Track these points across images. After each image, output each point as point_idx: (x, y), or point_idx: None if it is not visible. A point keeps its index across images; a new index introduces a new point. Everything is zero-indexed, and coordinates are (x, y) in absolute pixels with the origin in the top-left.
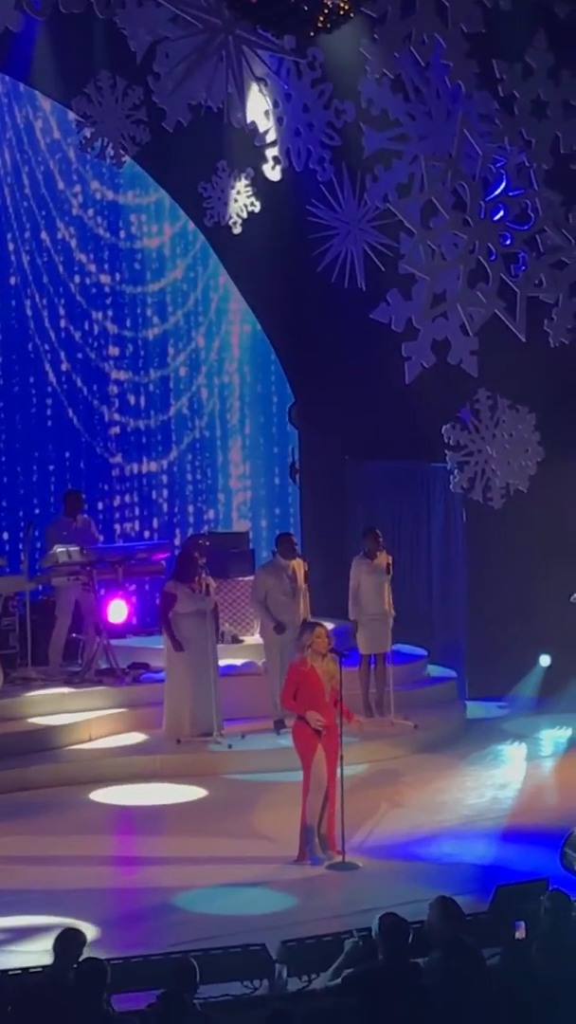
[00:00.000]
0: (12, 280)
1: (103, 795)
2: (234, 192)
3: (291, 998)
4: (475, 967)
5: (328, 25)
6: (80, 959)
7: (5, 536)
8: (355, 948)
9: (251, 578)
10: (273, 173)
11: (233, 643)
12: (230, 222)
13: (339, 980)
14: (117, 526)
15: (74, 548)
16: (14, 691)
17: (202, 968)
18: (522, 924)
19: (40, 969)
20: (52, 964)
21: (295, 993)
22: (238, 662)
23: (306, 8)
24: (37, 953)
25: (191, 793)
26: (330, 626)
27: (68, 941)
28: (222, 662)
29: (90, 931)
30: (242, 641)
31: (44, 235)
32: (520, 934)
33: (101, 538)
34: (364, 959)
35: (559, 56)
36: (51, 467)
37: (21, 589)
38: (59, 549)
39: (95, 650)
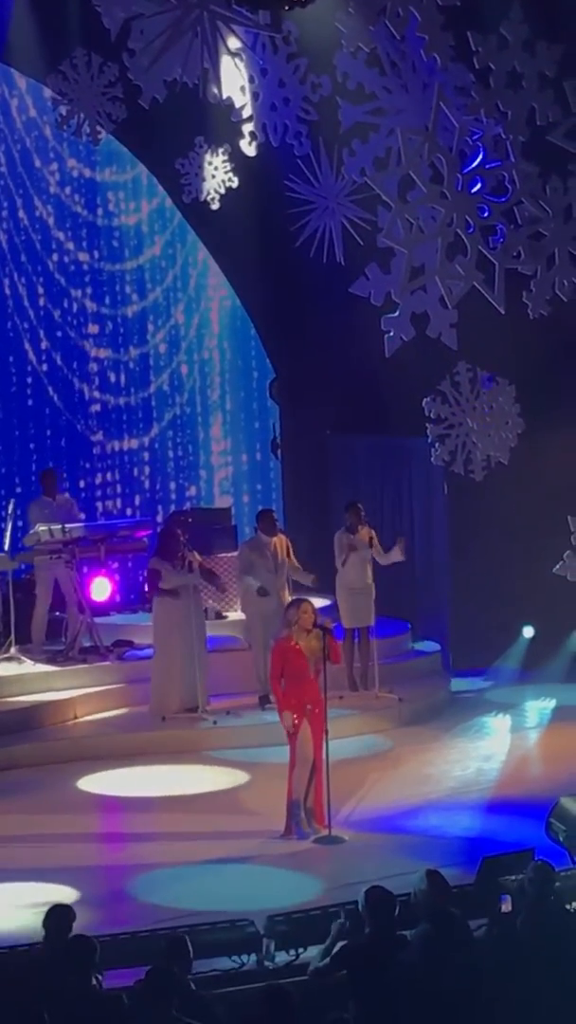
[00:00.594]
0: None
1: (89, 771)
2: (211, 168)
3: (279, 972)
4: (461, 938)
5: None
6: (69, 934)
7: None
8: (341, 929)
9: (234, 554)
10: (250, 148)
11: (217, 619)
12: (208, 198)
13: (328, 959)
14: (99, 504)
15: (56, 526)
16: None
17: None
18: (508, 898)
19: (31, 946)
20: (44, 940)
21: (284, 967)
22: (221, 637)
23: None
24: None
25: (176, 770)
26: (318, 603)
27: (58, 917)
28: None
29: (77, 908)
30: (226, 617)
31: (21, 213)
32: (506, 907)
33: (83, 516)
34: (351, 934)
35: (534, 28)
36: (32, 445)
37: (3, 568)
38: (41, 528)
39: (79, 628)
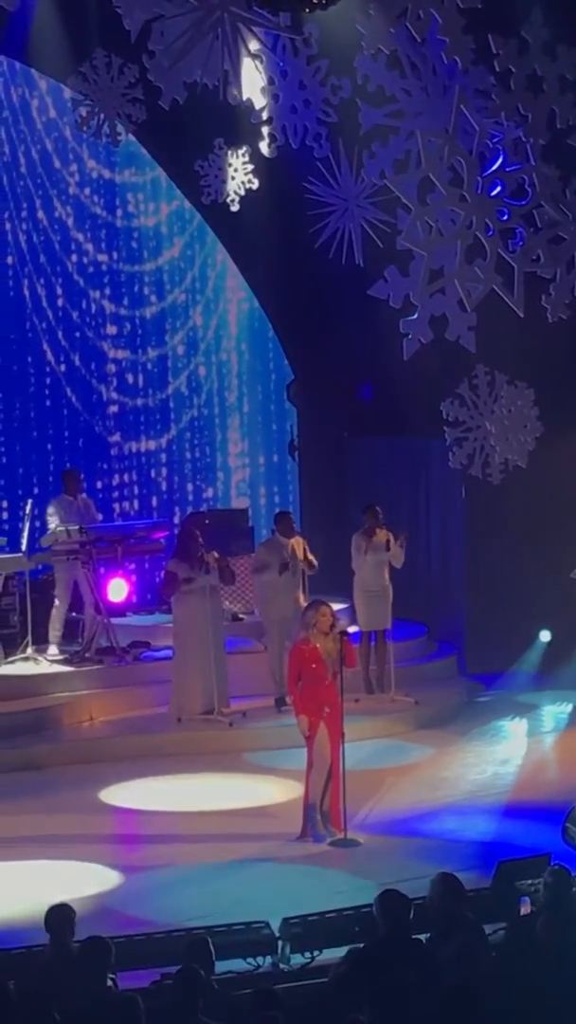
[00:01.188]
0: (9, 260)
1: (106, 773)
2: (231, 170)
3: (295, 975)
4: (477, 943)
5: (323, 1)
6: (73, 933)
7: (5, 515)
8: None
9: (249, 556)
10: (270, 150)
11: (234, 621)
12: (227, 200)
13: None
14: (116, 505)
15: (73, 527)
16: (15, 670)
17: None
18: (527, 900)
19: (39, 948)
20: (50, 941)
21: (299, 969)
22: (238, 639)
23: None
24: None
25: (193, 771)
26: (336, 607)
27: (59, 916)
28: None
29: (93, 909)
30: (242, 619)
31: (41, 214)
32: (525, 909)
33: (100, 517)
34: (366, 937)
35: (554, 31)
36: (50, 446)
37: (21, 568)
38: (59, 528)
39: (95, 629)
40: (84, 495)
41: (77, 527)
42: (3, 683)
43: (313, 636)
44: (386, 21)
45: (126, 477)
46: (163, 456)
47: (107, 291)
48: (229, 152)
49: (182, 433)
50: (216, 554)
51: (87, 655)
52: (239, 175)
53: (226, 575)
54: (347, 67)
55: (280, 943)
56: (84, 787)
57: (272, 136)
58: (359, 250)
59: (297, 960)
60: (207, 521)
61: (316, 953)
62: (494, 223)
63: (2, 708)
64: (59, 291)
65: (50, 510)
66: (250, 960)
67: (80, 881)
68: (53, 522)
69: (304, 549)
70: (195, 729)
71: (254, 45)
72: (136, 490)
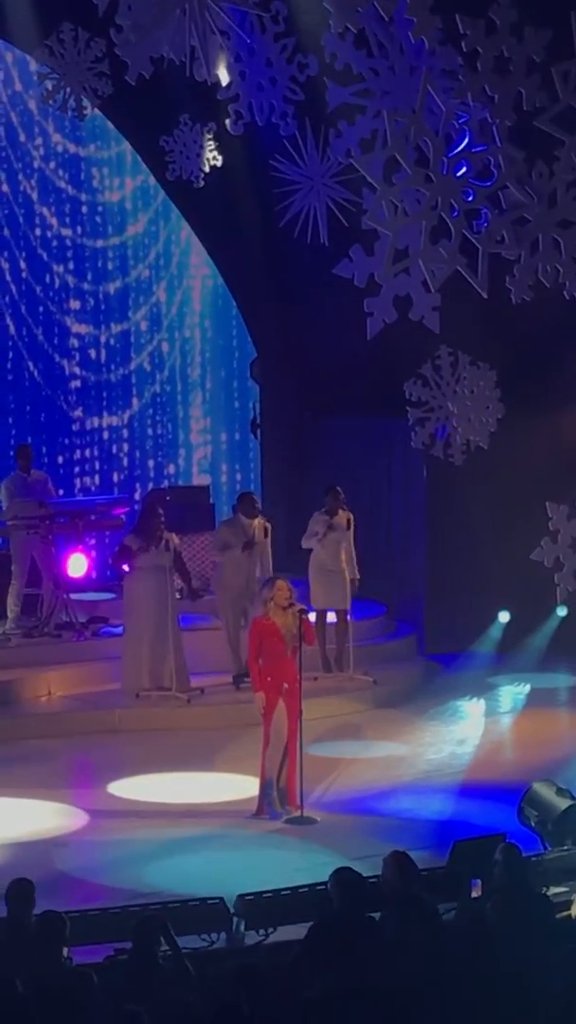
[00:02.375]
0: None
1: (61, 747)
2: (196, 146)
3: (249, 951)
4: (429, 921)
5: None
6: (33, 908)
7: None
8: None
9: (209, 534)
10: (236, 128)
11: (194, 599)
12: (192, 176)
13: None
14: (77, 480)
15: (32, 501)
16: None
17: None
18: (479, 882)
19: None
20: (8, 915)
21: (253, 946)
22: (195, 616)
23: None
24: None
25: (149, 748)
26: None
27: (19, 891)
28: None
29: (48, 884)
30: (201, 596)
31: (5, 187)
32: (476, 892)
33: (61, 492)
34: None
35: (522, 12)
36: (11, 420)
37: None
38: (18, 500)
39: (54, 604)
40: (40, 471)
41: (36, 502)
42: None
43: (271, 611)
44: None
45: (87, 452)
46: (125, 432)
47: (71, 266)
48: (194, 129)
49: (144, 409)
50: (176, 537)
51: (45, 630)
52: (204, 152)
53: (180, 566)
54: (314, 45)
55: (235, 919)
56: (40, 762)
57: (238, 113)
58: (324, 229)
59: (251, 937)
60: (168, 498)
61: (270, 930)
62: (459, 204)
63: None
64: (23, 265)
65: (2, 488)
66: (204, 936)
67: (33, 857)
68: (5, 501)
69: (265, 530)
70: (153, 705)
71: (221, 22)
72: (97, 465)
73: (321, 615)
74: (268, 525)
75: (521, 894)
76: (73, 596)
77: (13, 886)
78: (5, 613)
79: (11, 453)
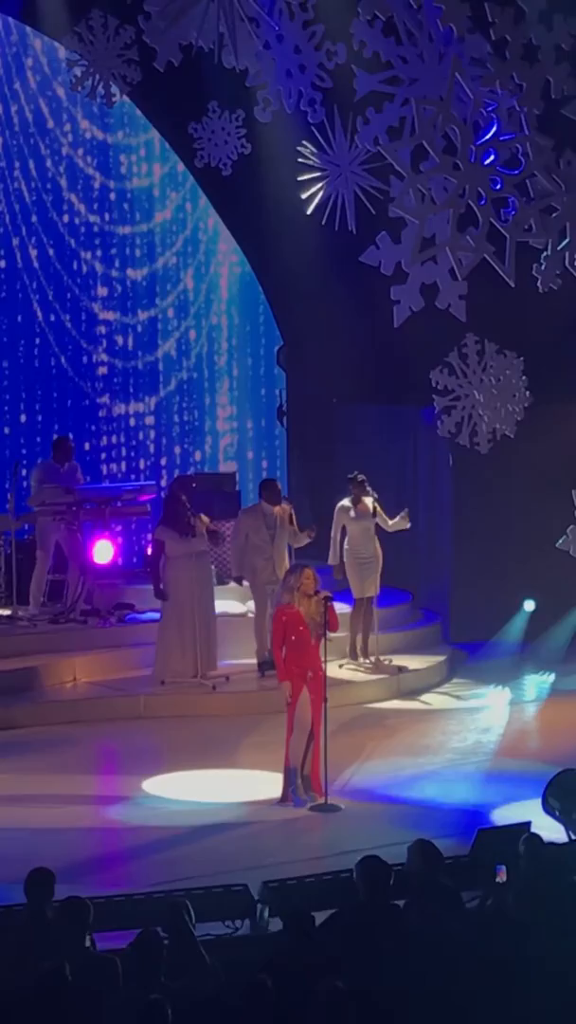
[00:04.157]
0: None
1: (88, 732)
2: (225, 133)
3: (273, 938)
4: (452, 910)
5: None
6: (52, 898)
7: None
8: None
9: (235, 520)
10: (264, 115)
11: (219, 585)
12: (220, 163)
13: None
14: (104, 467)
15: (59, 487)
16: None
17: None
18: (503, 868)
19: (14, 909)
20: (27, 904)
21: (277, 933)
22: (222, 603)
23: None
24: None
25: (174, 734)
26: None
27: (39, 880)
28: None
29: (71, 869)
30: (227, 583)
31: (33, 174)
32: (501, 877)
33: (88, 479)
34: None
35: (551, 0)
36: (38, 407)
37: (7, 528)
38: (46, 487)
39: (80, 591)
40: (73, 462)
41: (63, 488)
42: None
43: (296, 600)
44: None
45: (114, 439)
46: (151, 419)
47: (98, 252)
48: (223, 116)
49: (170, 396)
50: (205, 517)
51: (71, 616)
52: (232, 139)
53: (215, 538)
54: (343, 32)
55: (259, 907)
56: (65, 748)
57: (266, 100)
58: (352, 216)
59: (275, 924)
60: (194, 484)
61: None
62: (487, 192)
63: None
64: (50, 252)
65: (34, 473)
66: (228, 923)
67: (56, 843)
68: (35, 487)
69: (291, 517)
70: (178, 692)
71: (250, 8)
72: (123, 452)
73: (359, 603)
74: (292, 511)
75: (545, 883)
76: (99, 582)
77: (33, 876)
78: (28, 599)
79: (37, 439)
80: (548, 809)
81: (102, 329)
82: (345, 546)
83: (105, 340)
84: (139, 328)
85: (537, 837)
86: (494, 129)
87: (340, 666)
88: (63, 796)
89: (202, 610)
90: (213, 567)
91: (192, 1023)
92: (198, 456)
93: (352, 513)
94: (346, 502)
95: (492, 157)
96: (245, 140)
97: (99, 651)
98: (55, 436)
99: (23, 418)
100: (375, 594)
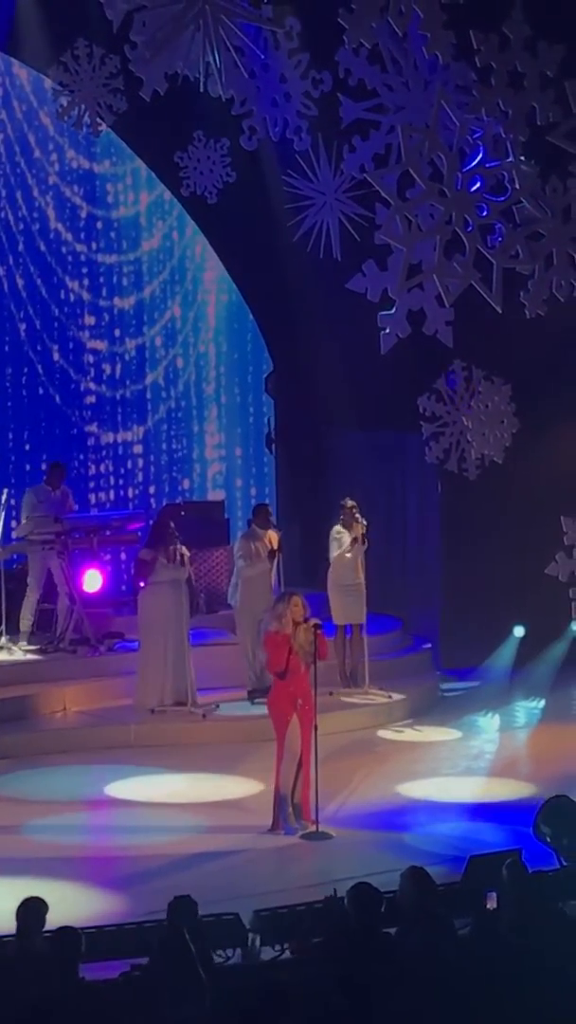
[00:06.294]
0: None
1: (77, 763)
2: (210, 162)
3: (265, 967)
4: (446, 937)
5: None
6: (43, 928)
7: None
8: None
9: (224, 548)
10: (249, 143)
11: (207, 613)
12: (206, 192)
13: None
14: (92, 495)
15: (48, 517)
16: None
17: None
18: (493, 894)
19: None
20: (17, 934)
21: (269, 962)
22: (211, 631)
23: None
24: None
25: (165, 763)
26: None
27: (31, 910)
28: (197, 631)
29: (63, 899)
30: (216, 611)
31: (20, 203)
32: (491, 904)
33: (76, 507)
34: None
35: (536, 27)
36: (26, 435)
37: None
38: (32, 516)
39: (69, 620)
40: (64, 487)
41: (52, 517)
42: None
43: (286, 627)
44: (368, 15)
45: (102, 468)
46: (139, 447)
47: (85, 281)
48: (208, 144)
49: (159, 424)
50: (185, 550)
51: (60, 645)
52: (218, 167)
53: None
54: (328, 61)
55: (250, 935)
56: (57, 777)
57: (252, 129)
58: (337, 244)
59: (267, 953)
60: (183, 512)
61: (286, 946)
62: (473, 219)
63: None
64: (37, 281)
65: (26, 498)
66: (220, 952)
67: (49, 872)
68: (26, 511)
69: (279, 542)
70: (168, 721)
71: (235, 38)
72: (112, 481)
73: (341, 630)
74: (280, 538)
75: (533, 909)
76: (88, 611)
77: (26, 905)
78: (17, 627)
79: (26, 467)
80: (538, 836)
81: (90, 358)
82: (330, 572)
83: (93, 369)
84: (127, 356)
85: (519, 863)
86: (480, 156)
87: (330, 694)
88: (52, 826)
89: (182, 637)
90: (203, 596)
91: None
92: (186, 484)
93: (345, 539)
94: (340, 528)
95: (478, 184)
96: (230, 168)
97: (89, 680)
98: (50, 461)
99: (11, 446)
100: (362, 622)
